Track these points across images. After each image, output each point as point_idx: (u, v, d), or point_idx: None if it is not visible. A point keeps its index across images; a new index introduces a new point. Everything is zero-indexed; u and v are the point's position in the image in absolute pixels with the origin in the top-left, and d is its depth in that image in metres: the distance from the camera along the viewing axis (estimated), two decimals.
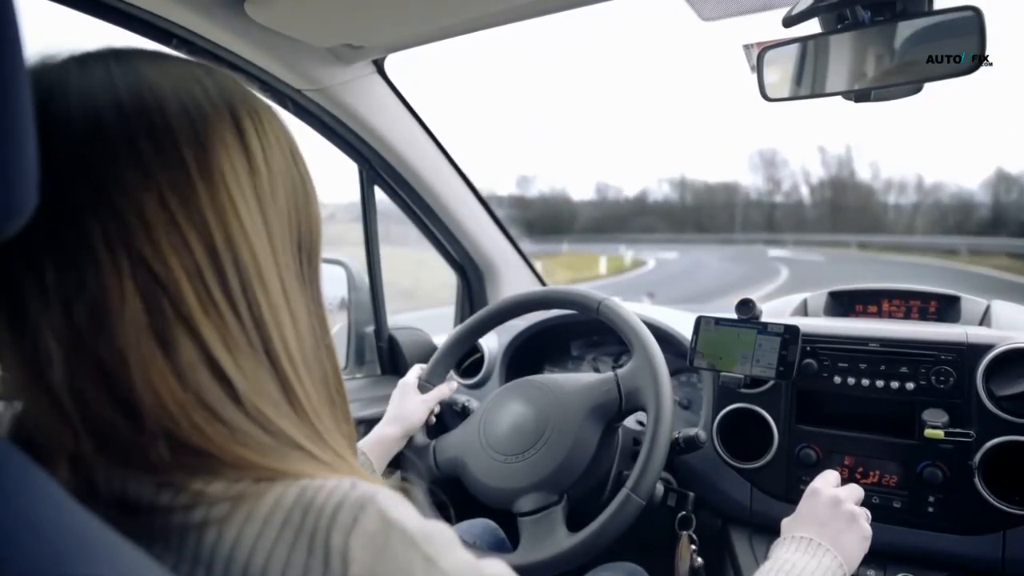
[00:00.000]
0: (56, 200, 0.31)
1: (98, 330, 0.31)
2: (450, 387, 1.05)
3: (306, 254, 0.40)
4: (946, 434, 0.89)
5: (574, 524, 0.87)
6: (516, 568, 0.83)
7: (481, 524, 1.11)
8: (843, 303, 1.23)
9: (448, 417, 1.14)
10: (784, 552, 0.69)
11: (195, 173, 0.34)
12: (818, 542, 0.68)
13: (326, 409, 0.39)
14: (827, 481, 0.78)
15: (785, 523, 0.75)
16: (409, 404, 0.99)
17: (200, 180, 0.34)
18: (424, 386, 1.05)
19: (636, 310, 1.03)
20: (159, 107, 0.34)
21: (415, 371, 1.06)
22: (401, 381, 1.04)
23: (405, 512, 0.32)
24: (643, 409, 0.90)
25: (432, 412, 1.03)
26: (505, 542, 1.10)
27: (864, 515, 0.73)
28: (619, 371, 0.94)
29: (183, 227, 0.34)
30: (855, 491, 0.76)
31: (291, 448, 0.35)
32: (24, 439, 0.31)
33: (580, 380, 0.97)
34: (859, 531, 0.71)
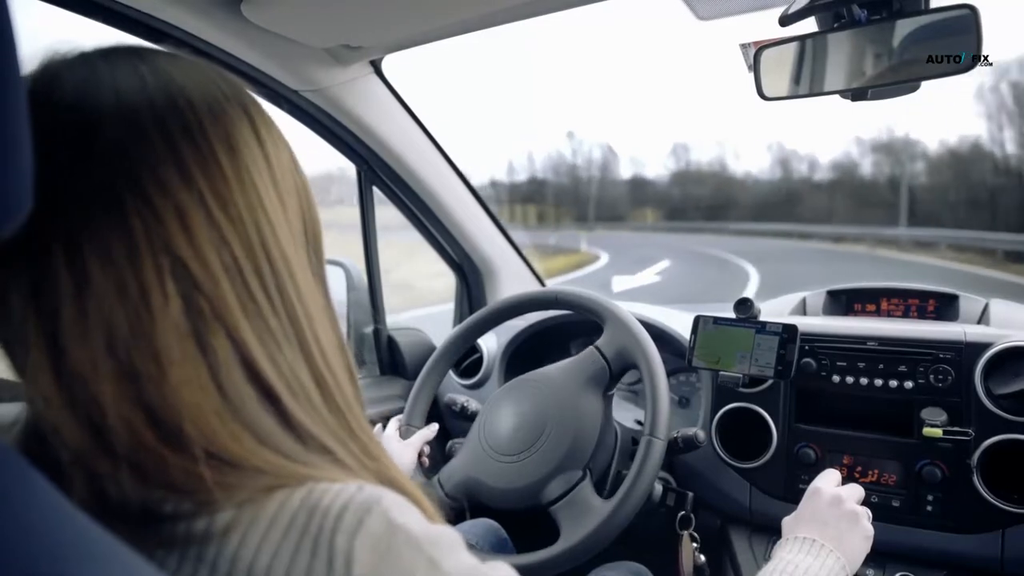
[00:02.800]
0: (96, 196, 0.31)
1: (136, 332, 0.31)
2: (431, 429, 1.05)
3: (314, 251, 0.41)
4: (945, 433, 0.89)
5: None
6: (569, 551, 0.85)
7: (483, 524, 1.10)
8: (841, 302, 1.23)
9: (448, 417, 1.14)
10: (787, 553, 0.68)
11: (229, 172, 0.35)
12: (821, 543, 0.68)
13: (355, 401, 0.40)
14: (828, 480, 0.78)
15: (786, 523, 0.75)
16: (394, 452, 0.98)
17: (233, 178, 0.35)
18: (408, 429, 1.05)
19: (634, 310, 1.03)
20: (190, 106, 0.35)
21: (393, 424, 1.06)
22: (382, 437, 1.03)
23: (410, 515, 0.32)
24: (633, 366, 0.94)
25: (422, 454, 1.02)
26: (507, 542, 1.10)
27: (866, 514, 0.73)
28: (597, 341, 0.98)
29: (221, 225, 0.34)
30: (856, 490, 0.76)
31: (318, 453, 0.35)
32: (32, 449, 0.31)
33: (564, 363, 1.01)
34: (861, 531, 0.71)
